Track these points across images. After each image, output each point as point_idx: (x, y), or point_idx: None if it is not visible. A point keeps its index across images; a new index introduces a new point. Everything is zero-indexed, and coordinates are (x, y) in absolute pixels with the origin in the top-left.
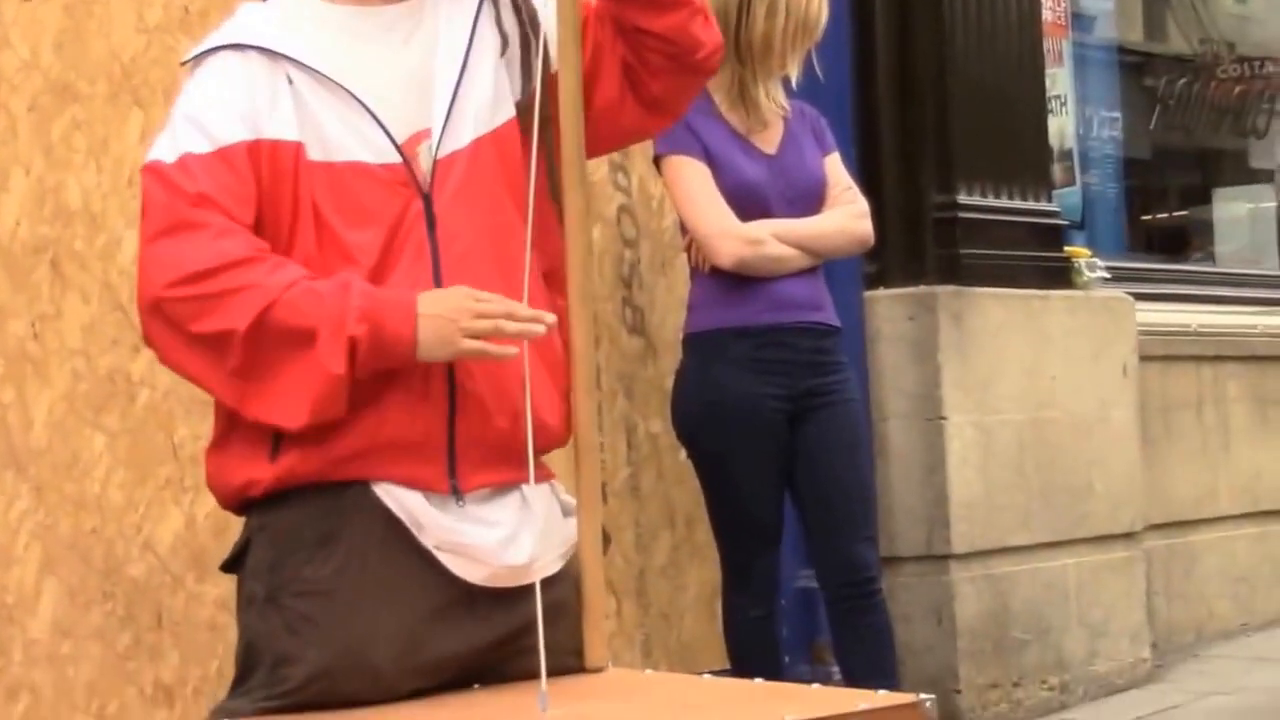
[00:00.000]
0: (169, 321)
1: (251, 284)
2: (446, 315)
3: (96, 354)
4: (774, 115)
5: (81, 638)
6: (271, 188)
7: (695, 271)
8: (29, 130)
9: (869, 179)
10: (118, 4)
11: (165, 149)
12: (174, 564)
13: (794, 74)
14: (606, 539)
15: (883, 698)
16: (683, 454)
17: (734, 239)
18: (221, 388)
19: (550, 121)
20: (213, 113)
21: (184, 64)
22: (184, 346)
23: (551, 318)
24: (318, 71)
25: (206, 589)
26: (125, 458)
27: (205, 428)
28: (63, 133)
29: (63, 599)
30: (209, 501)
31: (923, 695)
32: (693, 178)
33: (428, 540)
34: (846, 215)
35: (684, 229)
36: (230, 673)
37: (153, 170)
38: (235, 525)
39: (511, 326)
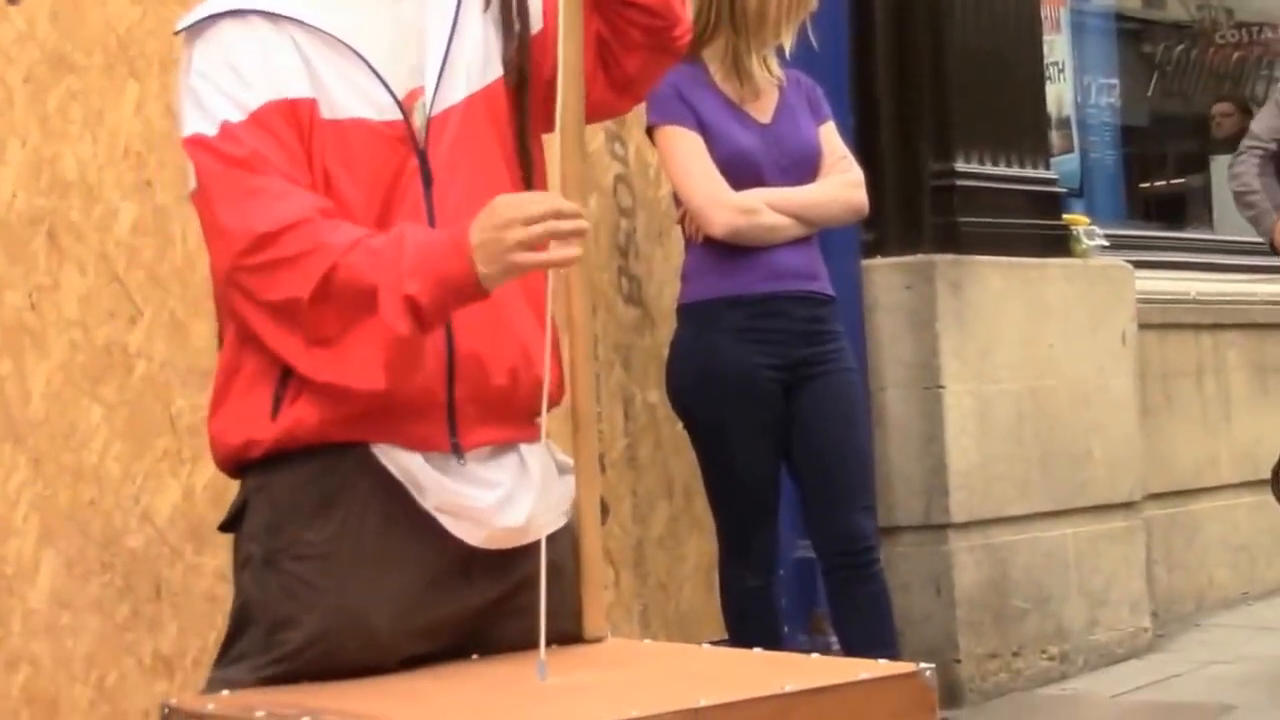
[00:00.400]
0: (245, 293)
1: (311, 248)
2: (494, 236)
3: (94, 325)
4: (768, 85)
5: (80, 609)
6: (301, 144)
7: (689, 242)
8: (25, 101)
9: (866, 147)
10: None
11: (202, 122)
12: (172, 535)
13: (788, 44)
14: (605, 509)
15: (883, 667)
16: (680, 424)
17: (727, 208)
18: (298, 358)
19: (528, 84)
20: (234, 81)
21: (178, 32)
22: (263, 317)
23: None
24: (320, 30)
25: (205, 560)
26: (123, 429)
27: (202, 399)
28: (59, 104)
29: (61, 570)
30: (207, 472)
31: (923, 665)
32: (686, 147)
33: (428, 502)
34: (841, 184)
35: (678, 200)
36: None
37: (197, 143)
38: (234, 496)
39: (564, 225)
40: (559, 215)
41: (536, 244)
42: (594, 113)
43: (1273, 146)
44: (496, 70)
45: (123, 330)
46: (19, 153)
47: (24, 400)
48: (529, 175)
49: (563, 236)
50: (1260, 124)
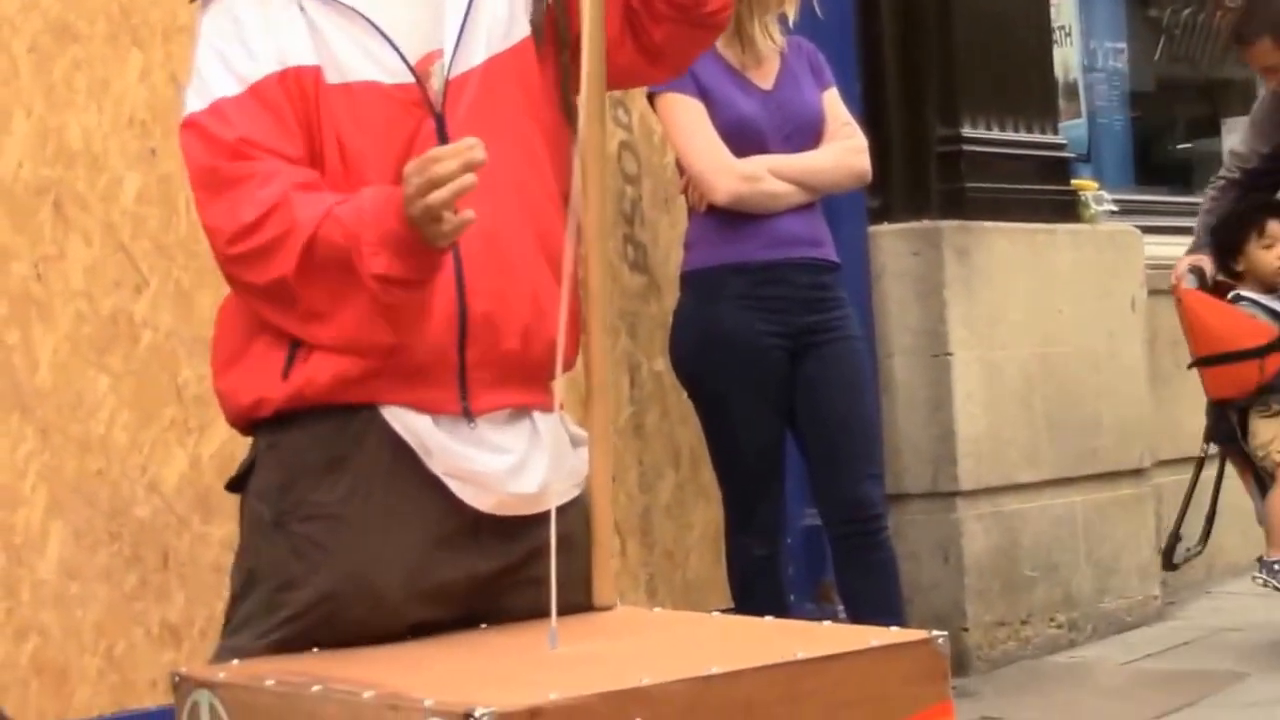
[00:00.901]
0: (239, 280)
1: (290, 226)
2: (404, 194)
3: (99, 295)
4: (770, 51)
5: (89, 579)
6: (301, 115)
7: (692, 211)
8: (30, 71)
9: (872, 112)
10: None
11: (197, 99)
12: (179, 505)
13: (791, 11)
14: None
15: (895, 634)
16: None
17: (730, 175)
18: (301, 330)
19: (565, 45)
20: (236, 51)
21: (192, 1)
22: (258, 300)
23: (479, 149)
24: None
25: (212, 530)
26: (129, 399)
27: (209, 369)
28: (63, 73)
29: (69, 540)
30: (214, 442)
31: (935, 632)
32: (688, 115)
33: (436, 467)
34: (844, 150)
35: (681, 168)
36: None
37: (189, 126)
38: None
39: (442, 168)
40: (435, 160)
41: (429, 190)
42: (624, 79)
43: (1236, 174)
44: (522, 30)
45: (128, 300)
46: (24, 123)
47: (31, 370)
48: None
49: (453, 175)
50: (1235, 148)
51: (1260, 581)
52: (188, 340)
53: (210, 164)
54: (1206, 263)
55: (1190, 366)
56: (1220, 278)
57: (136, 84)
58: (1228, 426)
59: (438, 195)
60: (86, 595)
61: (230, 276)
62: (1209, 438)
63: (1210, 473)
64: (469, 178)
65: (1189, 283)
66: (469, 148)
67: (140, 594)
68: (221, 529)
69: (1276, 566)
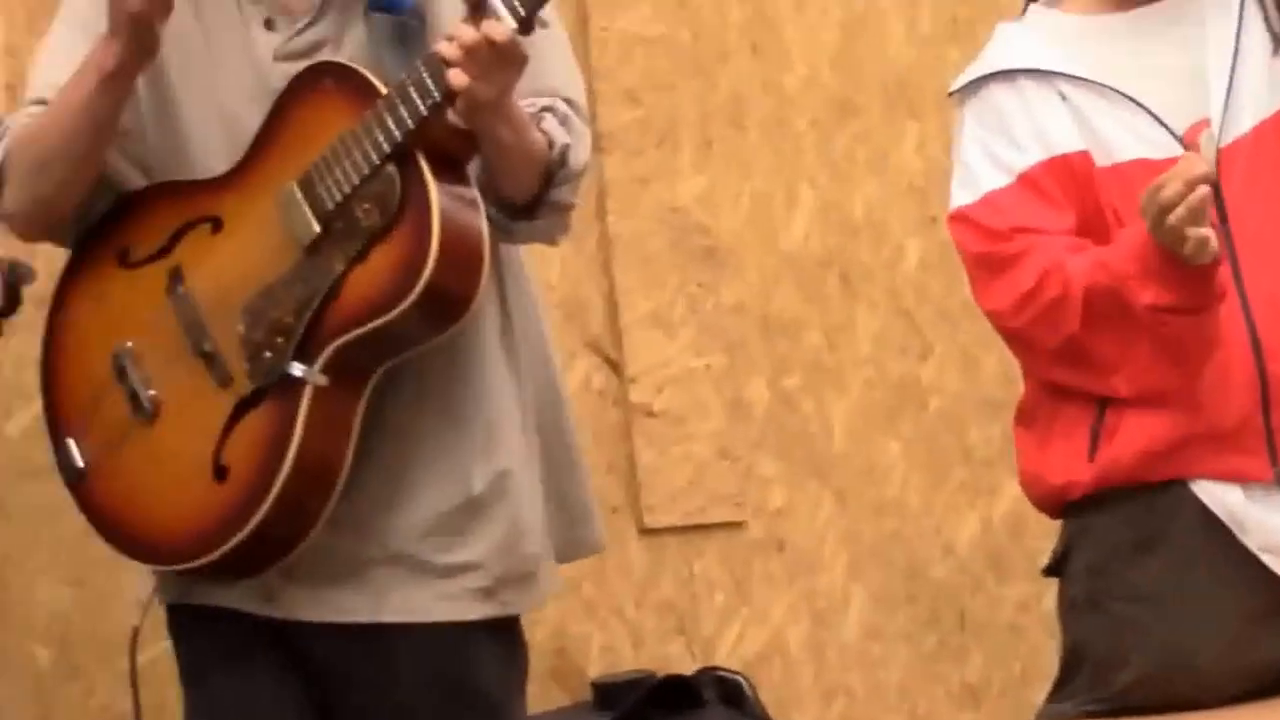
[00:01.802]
0: (1033, 348)
1: (1066, 285)
2: (1157, 235)
3: (886, 361)
4: None
5: (890, 640)
6: (1074, 198)
7: None
8: (812, 146)
9: None
10: (890, 19)
11: (966, 194)
12: (973, 566)
13: None
14: None
15: None
16: None
17: None
18: (1099, 384)
19: None
20: (1001, 143)
21: (950, 95)
22: (1053, 365)
23: (1201, 164)
24: (1089, 80)
25: (1006, 591)
26: (920, 462)
27: (996, 431)
28: (844, 147)
29: (869, 602)
30: (1004, 503)
31: None
32: None
33: (1251, 542)
34: None
35: None
36: (1033, 674)
37: (959, 219)
38: (1032, 527)
39: (1195, 199)
40: (1160, 187)
41: (1189, 224)
42: None
43: None
44: None
45: (914, 365)
46: (809, 195)
47: (826, 437)
48: None
49: (1180, 196)
50: None
51: None
52: (974, 403)
53: (985, 250)
54: None
55: None
56: None
57: (913, 154)
58: None
59: (1175, 216)
60: (888, 656)
61: (1023, 349)
62: None
63: None
64: (1201, 190)
65: None
66: (1189, 165)
67: (939, 654)
68: (1015, 589)
69: None
